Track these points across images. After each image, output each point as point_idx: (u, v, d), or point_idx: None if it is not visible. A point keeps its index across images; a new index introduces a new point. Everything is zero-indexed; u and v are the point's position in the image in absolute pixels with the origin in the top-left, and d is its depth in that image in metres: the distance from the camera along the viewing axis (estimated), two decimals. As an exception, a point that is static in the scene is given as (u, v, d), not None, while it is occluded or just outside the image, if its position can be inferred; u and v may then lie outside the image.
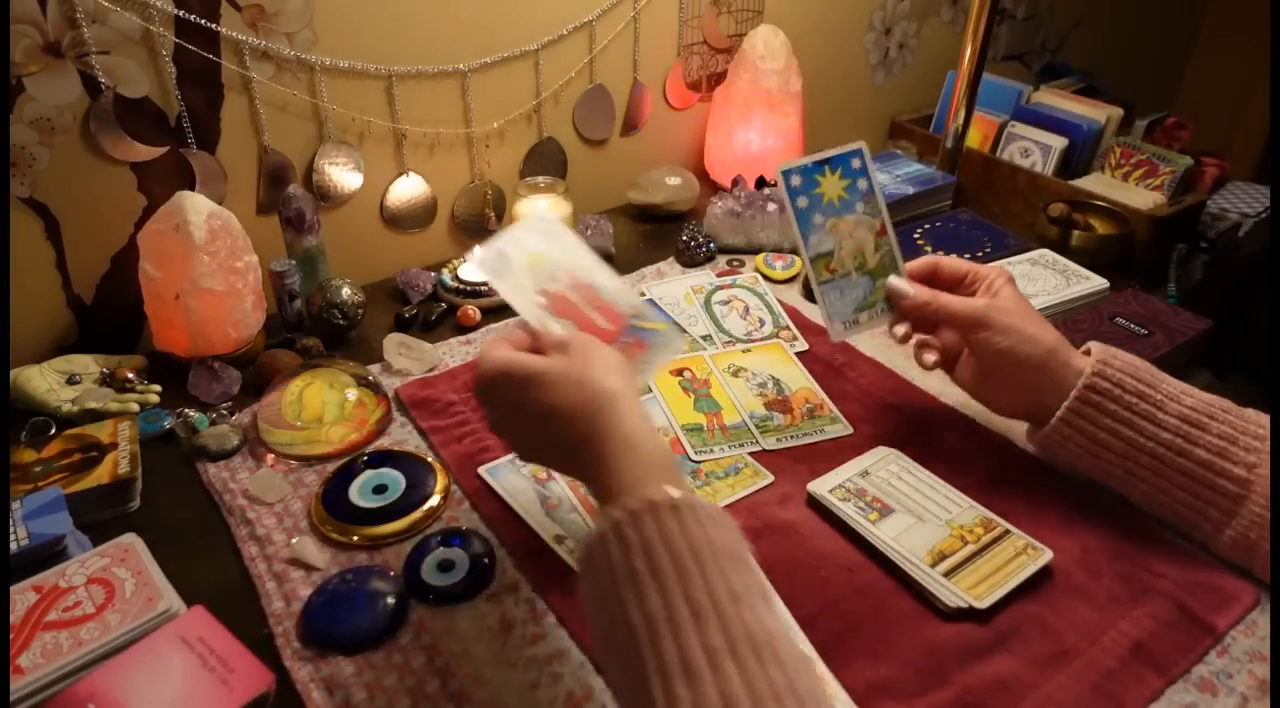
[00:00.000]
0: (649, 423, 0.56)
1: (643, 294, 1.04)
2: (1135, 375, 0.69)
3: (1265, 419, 0.68)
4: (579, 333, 0.63)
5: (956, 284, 0.78)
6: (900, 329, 0.79)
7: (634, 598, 0.46)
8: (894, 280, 0.77)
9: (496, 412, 0.62)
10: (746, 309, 1.03)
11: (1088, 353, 0.73)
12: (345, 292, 0.96)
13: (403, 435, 0.85)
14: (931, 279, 0.79)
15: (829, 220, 0.77)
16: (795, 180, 0.77)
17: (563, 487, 0.77)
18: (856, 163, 0.79)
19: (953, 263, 0.78)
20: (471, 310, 1.01)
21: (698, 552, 0.47)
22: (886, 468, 0.78)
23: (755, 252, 1.14)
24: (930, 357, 0.78)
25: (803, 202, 0.77)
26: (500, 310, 1.04)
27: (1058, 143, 1.32)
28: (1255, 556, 0.66)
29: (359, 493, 0.76)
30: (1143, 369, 0.70)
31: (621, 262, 1.14)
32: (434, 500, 0.76)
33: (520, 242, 0.69)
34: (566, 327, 0.65)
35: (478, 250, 0.68)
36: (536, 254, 0.68)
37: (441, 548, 0.72)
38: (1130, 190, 1.28)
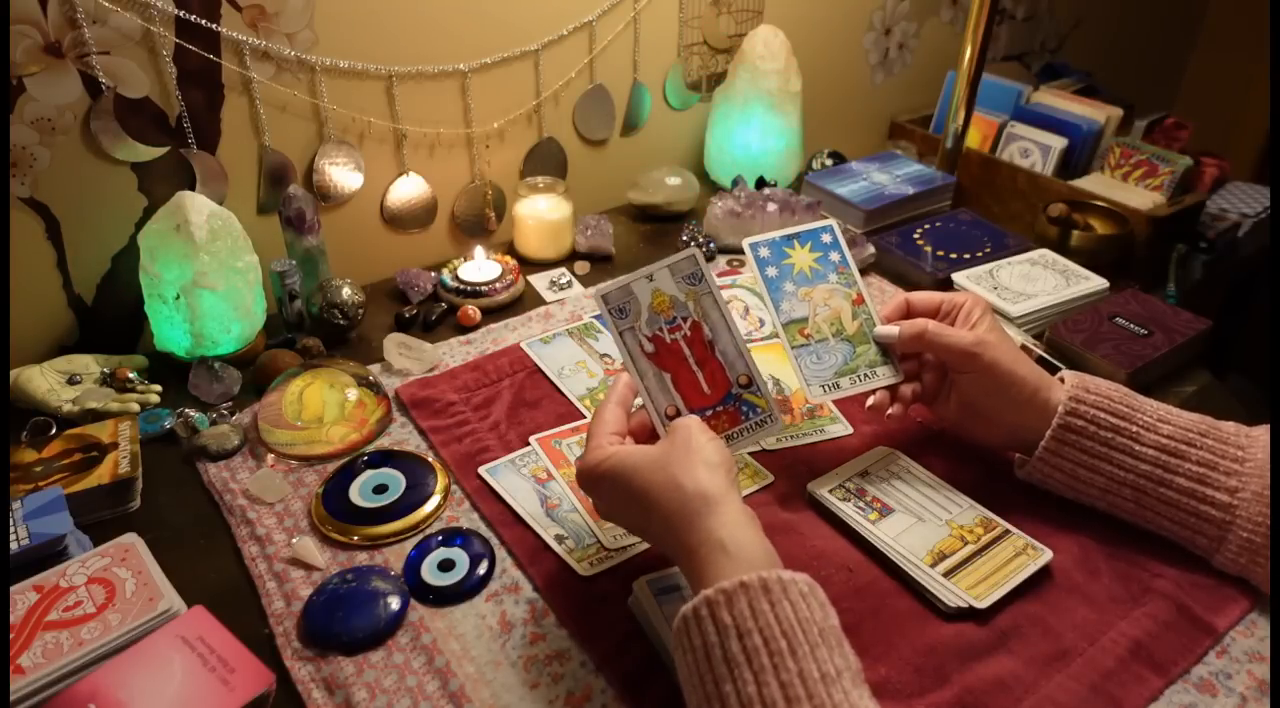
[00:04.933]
0: (744, 526, 0.56)
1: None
2: (1110, 408, 0.69)
3: (1245, 438, 0.67)
4: (683, 421, 0.63)
5: (931, 317, 0.75)
6: (893, 408, 0.75)
7: (729, 680, 0.49)
8: (878, 329, 0.75)
9: (602, 502, 0.65)
10: (746, 309, 1.03)
11: (1064, 381, 0.72)
12: (345, 292, 0.96)
13: (403, 435, 0.85)
14: (905, 318, 0.76)
15: (800, 289, 0.76)
16: (764, 251, 0.76)
17: (563, 487, 0.77)
18: (827, 237, 0.78)
19: (924, 297, 0.76)
20: (472, 310, 1.01)
21: (789, 633, 0.49)
22: (886, 468, 0.78)
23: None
24: (895, 408, 0.75)
25: (772, 271, 0.76)
26: (499, 311, 1.04)
27: (1057, 143, 1.32)
28: (1252, 575, 0.66)
29: (359, 493, 0.76)
30: (1118, 399, 0.70)
31: (621, 262, 1.15)
32: (434, 500, 0.76)
33: (653, 280, 0.68)
34: (659, 377, 0.67)
35: (601, 286, 0.68)
36: (665, 297, 0.68)
37: (441, 548, 0.72)
38: (1130, 190, 1.28)
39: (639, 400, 0.67)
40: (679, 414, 0.67)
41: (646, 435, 0.66)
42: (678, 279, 0.69)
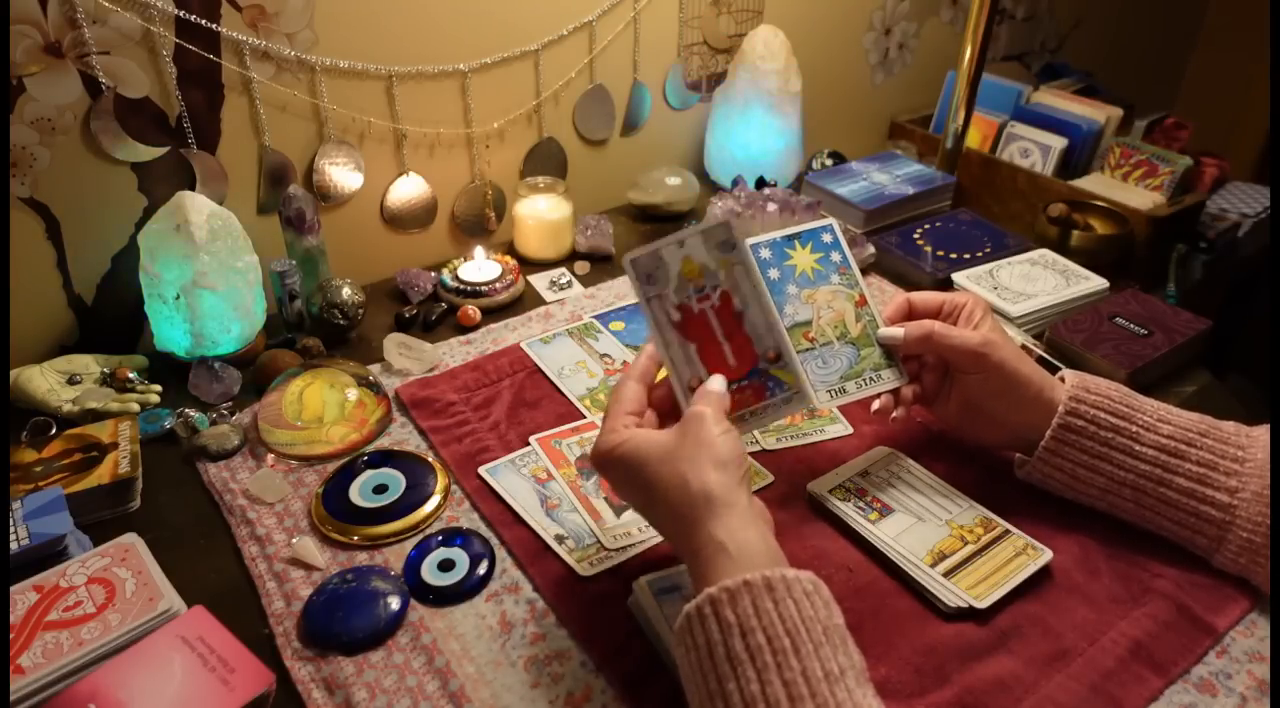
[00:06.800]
0: (748, 527, 0.56)
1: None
2: (1110, 408, 0.69)
3: (1245, 438, 0.67)
4: (698, 408, 0.61)
5: (933, 317, 0.75)
6: (896, 411, 0.75)
7: (732, 679, 0.49)
8: (883, 331, 0.75)
9: (614, 483, 0.64)
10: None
11: (1064, 381, 0.72)
12: (345, 292, 0.96)
13: (403, 435, 0.85)
14: (908, 318, 0.76)
15: (803, 291, 0.75)
16: (765, 253, 0.76)
17: (563, 487, 0.77)
18: (827, 237, 0.77)
19: (925, 297, 0.76)
20: (471, 310, 1.01)
21: (793, 632, 0.49)
22: (886, 468, 0.78)
23: (755, 252, 1.14)
24: (899, 411, 0.75)
25: (774, 273, 0.75)
26: (499, 311, 1.04)
27: (1057, 143, 1.32)
28: (1252, 575, 0.66)
29: (359, 493, 0.76)
30: (1118, 399, 0.70)
31: (621, 262, 1.15)
32: (434, 500, 0.76)
33: (684, 246, 0.66)
34: (684, 348, 0.64)
35: (633, 253, 0.65)
36: (695, 265, 0.66)
37: (441, 548, 0.72)
38: (1130, 190, 1.28)
39: (663, 372, 0.66)
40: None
41: (669, 407, 0.65)
42: (710, 246, 0.67)
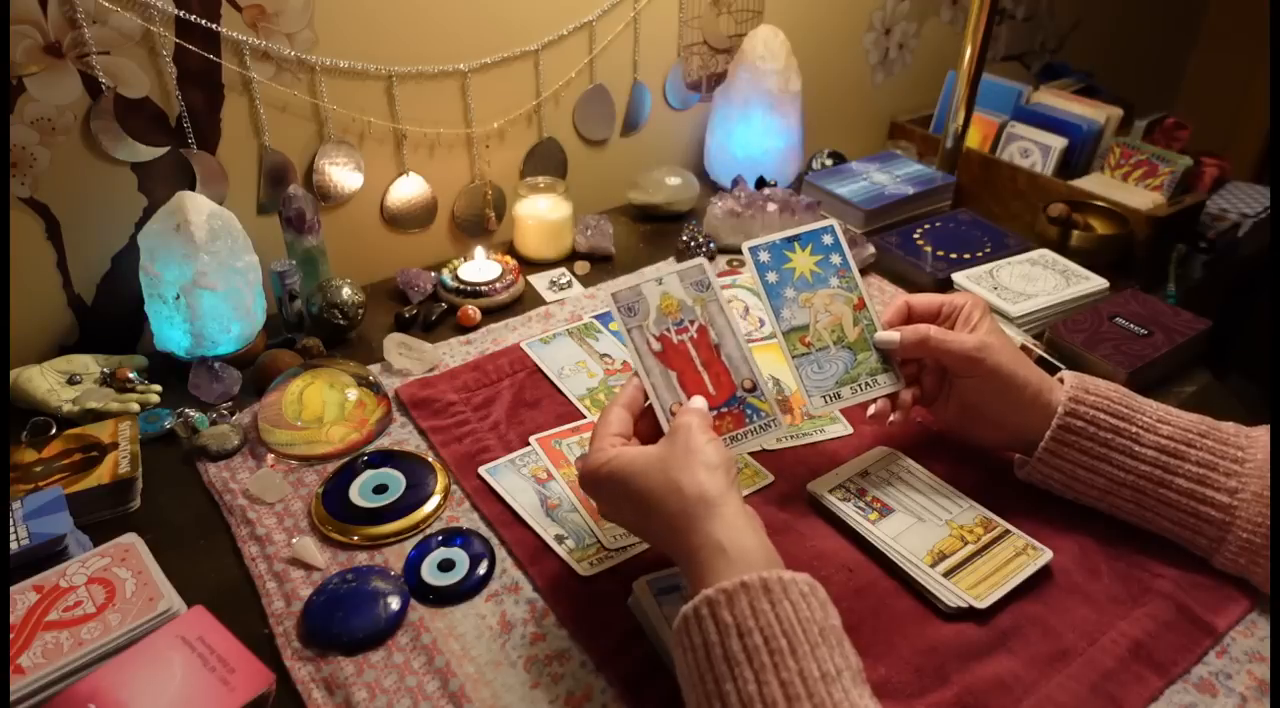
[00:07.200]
0: (744, 528, 0.56)
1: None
2: (1109, 409, 0.69)
3: (1245, 438, 0.67)
4: (683, 419, 0.63)
5: (932, 320, 0.75)
6: (894, 415, 0.75)
7: (729, 679, 0.49)
8: (879, 336, 0.74)
9: (604, 504, 0.65)
10: (746, 309, 1.03)
11: (1063, 381, 0.72)
12: (345, 292, 0.96)
13: (403, 435, 0.85)
14: (906, 322, 0.76)
15: (801, 294, 0.75)
16: (764, 256, 0.76)
17: (563, 487, 0.77)
18: (828, 239, 0.77)
19: (924, 300, 0.76)
20: (472, 310, 1.01)
21: (790, 633, 0.50)
22: (886, 468, 0.78)
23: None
24: (896, 415, 0.75)
25: (772, 276, 0.75)
26: (499, 311, 1.04)
27: (1057, 143, 1.32)
28: (1251, 575, 0.66)
29: (359, 493, 0.76)
30: (1118, 400, 0.70)
31: (621, 262, 1.15)
32: (434, 500, 0.76)
33: (662, 283, 0.70)
34: (665, 376, 0.67)
35: (611, 285, 0.69)
36: (673, 300, 0.70)
37: (441, 548, 0.72)
38: (1130, 190, 1.28)
39: (648, 403, 0.67)
40: None
41: (654, 438, 0.66)
42: (686, 285, 0.71)
